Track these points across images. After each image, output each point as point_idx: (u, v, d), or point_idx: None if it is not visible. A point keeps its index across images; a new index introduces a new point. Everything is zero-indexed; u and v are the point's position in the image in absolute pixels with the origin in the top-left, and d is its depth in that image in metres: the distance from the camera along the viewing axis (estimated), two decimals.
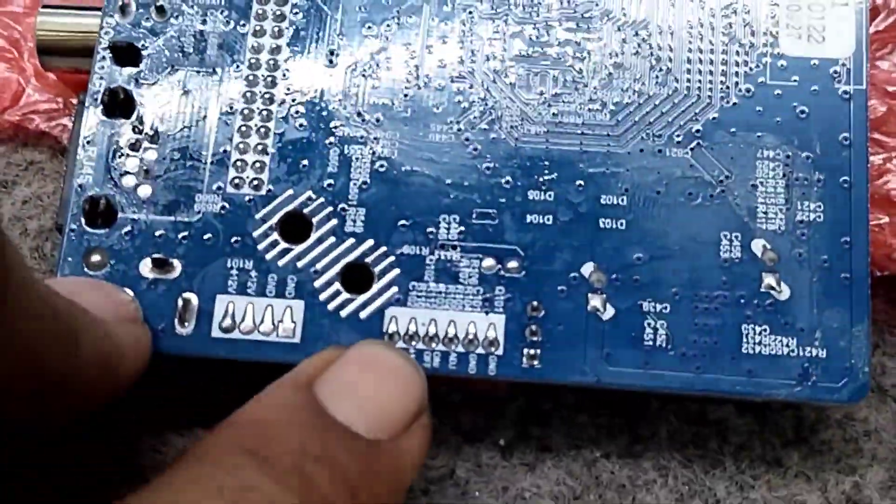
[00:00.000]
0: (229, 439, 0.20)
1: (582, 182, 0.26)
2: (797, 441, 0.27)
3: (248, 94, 0.27)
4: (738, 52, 0.27)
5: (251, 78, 0.27)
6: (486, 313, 0.26)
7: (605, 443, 0.27)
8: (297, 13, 0.28)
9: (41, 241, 0.29)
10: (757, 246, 0.26)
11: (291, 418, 0.21)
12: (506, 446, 0.27)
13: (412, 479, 0.22)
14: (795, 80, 0.27)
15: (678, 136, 0.27)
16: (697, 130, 0.27)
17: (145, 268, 0.26)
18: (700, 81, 0.27)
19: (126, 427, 0.27)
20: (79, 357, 0.22)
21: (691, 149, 0.27)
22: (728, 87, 0.27)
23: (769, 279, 0.26)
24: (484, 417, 0.27)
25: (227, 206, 0.26)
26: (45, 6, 0.29)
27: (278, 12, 0.28)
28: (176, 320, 0.26)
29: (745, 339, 0.25)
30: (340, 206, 0.26)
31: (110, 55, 0.27)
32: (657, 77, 0.27)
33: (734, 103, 0.27)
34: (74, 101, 0.30)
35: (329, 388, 0.21)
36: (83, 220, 0.26)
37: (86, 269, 0.26)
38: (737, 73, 0.27)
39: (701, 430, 0.27)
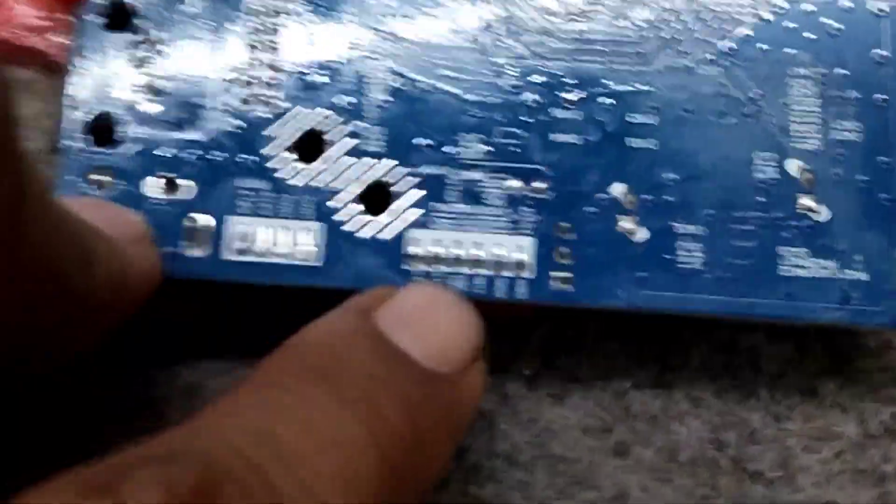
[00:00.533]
0: (297, 363, 0.19)
1: (609, 100, 0.25)
2: (832, 370, 0.27)
3: (257, 5, 0.26)
4: None
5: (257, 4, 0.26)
6: (514, 235, 0.24)
7: (635, 373, 0.26)
8: None
9: (37, 162, 0.27)
10: (792, 166, 0.25)
11: (356, 344, 0.20)
12: (532, 377, 0.26)
13: (469, 421, 0.21)
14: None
15: (708, 53, 0.25)
16: (729, 48, 0.25)
17: (152, 187, 0.25)
18: None
19: (133, 358, 0.25)
20: (93, 276, 0.20)
21: (722, 67, 0.25)
22: (759, 4, 0.26)
23: (806, 200, 0.25)
24: (508, 348, 0.26)
25: (239, 123, 0.25)
26: None
27: None
28: (186, 242, 0.24)
29: (782, 262, 0.24)
30: (358, 124, 0.25)
31: None
32: None
33: (766, 20, 0.26)
34: (66, 16, 0.28)
35: (390, 317, 0.20)
36: (85, 139, 0.25)
37: (90, 189, 0.24)
38: None
39: (733, 359, 0.26)
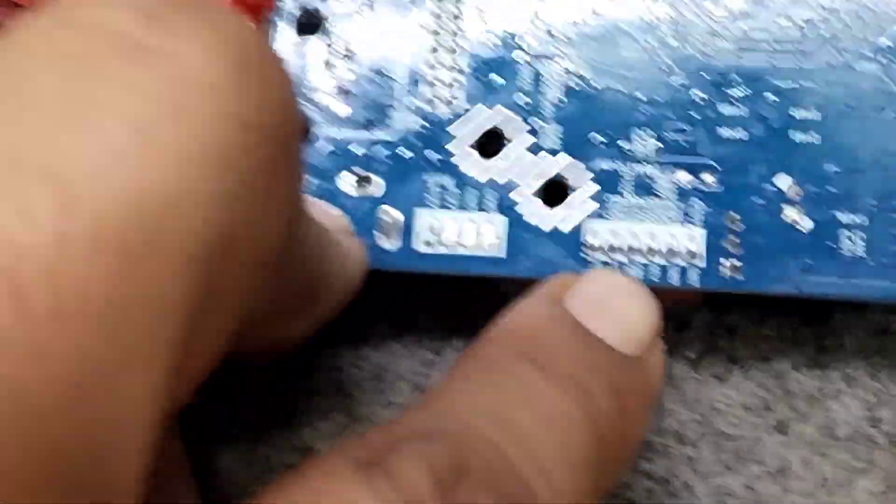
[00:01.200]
0: (508, 348, 0.21)
1: (773, 97, 0.27)
2: None
3: (439, 13, 0.27)
4: None
5: (439, 12, 0.27)
6: (686, 225, 0.26)
7: (792, 354, 0.28)
8: None
9: None
10: None
11: (556, 329, 0.21)
12: (695, 359, 0.28)
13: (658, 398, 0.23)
14: None
15: (867, 50, 0.27)
16: (886, 45, 0.27)
17: (346, 183, 0.26)
18: None
19: (322, 342, 0.27)
20: (330, 270, 0.22)
21: (880, 63, 0.27)
22: None
23: None
24: (671, 332, 0.28)
25: (424, 123, 0.27)
26: None
27: None
28: (380, 236, 0.26)
29: None
30: (536, 122, 0.26)
31: None
32: None
33: None
34: (256, 24, 0.30)
35: (580, 304, 0.22)
36: None
37: None
38: None
39: (885, 341, 0.28)
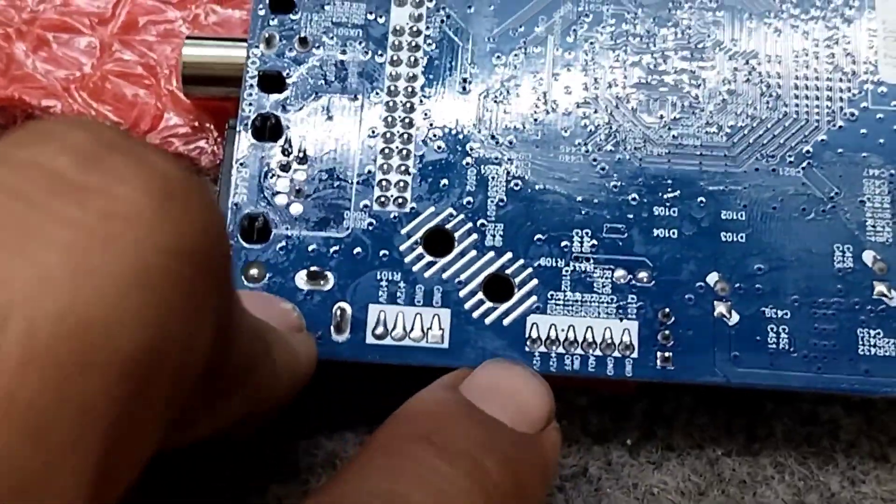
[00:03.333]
0: (405, 429, 0.22)
1: (703, 199, 0.28)
2: None
3: (389, 119, 0.29)
4: (841, 80, 0.29)
5: (390, 104, 0.29)
6: (621, 319, 0.28)
7: (724, 442, 0.29)
8: (430, 44, 0.30)
9: None
10: (868, 257, 0.28)
11: (452, 410, 0.23)
12: (633, 445, 0.29)
13: (554, 474, 0.24)
14: (895, 105, 0.29)
15: (790, 156, 0.29)
16: (807, 151, 0.29)
17: (301, 280, 0.28)
18: (808, 106, 0.29)
19: (279, 431, 0.29)
20: (274, 368, 0.24)
21: (802, 168, 0.29)
22: (834, 112, 0.29)
23: (880, 287, 0.28)
24: (611, 419, 0.29)
25: (374, 222, 0.28)
26: (189, 38, 0.31)
27: (413, 43, 0.30)
28: (332, 328, 0.27)
29: (861, 342, 0.27)
30: (480, 221, 0.28)
31: (258, 83, 0.29)
32: (768, 102, 0.29)
33: (840, 126, 0.29)
34: (210, 125, 0.32)
35: (474, 389, 0.24)
36: (240, 237, 0.28)
37: (245, 282, 0.28)
38: (841, 99, 0.29)
39: (813, 430, 0.29)
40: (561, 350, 0.27)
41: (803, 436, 0.29)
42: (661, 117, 0.29)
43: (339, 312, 0.28)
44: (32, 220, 0.15)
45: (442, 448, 0.22)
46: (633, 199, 0.28)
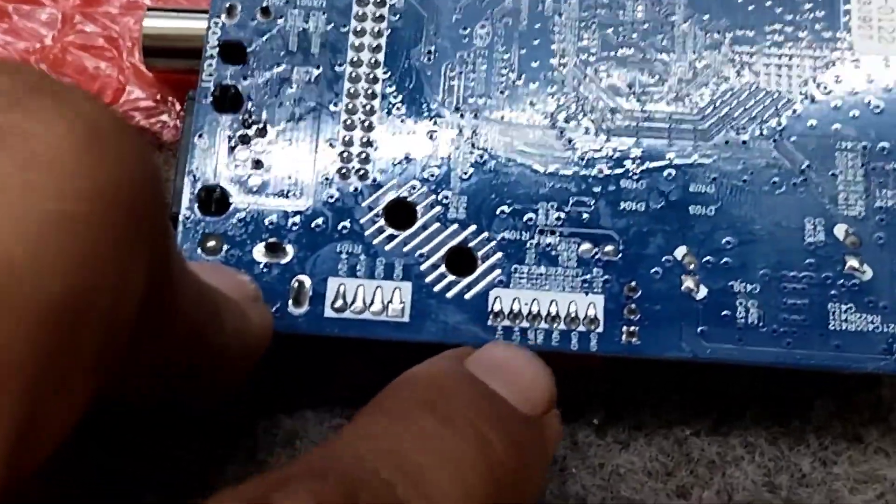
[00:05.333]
0: (410, 395, 0.22)
1: (671, 171, 0.28)
2: (875, 419, 0.29)
3: (351, 90, 0.28)
4: (814, 50, 0.29)
5: (353, 75, 0.29)
6: (586, 294, 0.27)
7: (693, 422, 0.29)
8: (395, 15, 0.29)
9: None
10: (839, 231, 0.27)
11: (457, 382, 0.22)
12: (599, 425, 0.29)
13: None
14: (869, 78, 0.28)
15: (761, 129, 0.28)
16: (779, 123, 0.28)
17: (259, 252, 0.27)
18: (779, 78, 0.28)
19: (239, 409, 0.28)
20: (224, 335, 0.23)
21: (774, 141, 0.28)
22: (806, 84, 0.28)
23: (852, 261, 0.27)
24: (577, 398, 0.29)
25: (334, 194, 0.28)
26: (150, 9, 0.30)
27: (377, 14, 0.29)
28: (290, 301, 0.27)
29: (832, 317, 0.27)
30: (443, 194, 0.28)
31: (218, 53, 0.29)
32: (738, 73, 0.29)
33: (813, 98, 0.28)
34: (172, 99, 0.31)
35: (481, 365, 0.23)
36: (198, 208, 0.27)
37: (202, 254, 0.27)
38: (814, 70, 0.29)
39: (784, 410, 0.29)
40: (524, 324, 0.27)
41: (774, 415, 0.29)
42: (630, 88, 0.28)
43: (297, 285, 0.27)
44: None
45: (446, 416, 0.21)
46: (600, 171, 0.28)
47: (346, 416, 0.28)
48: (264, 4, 0.29)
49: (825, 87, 0.28)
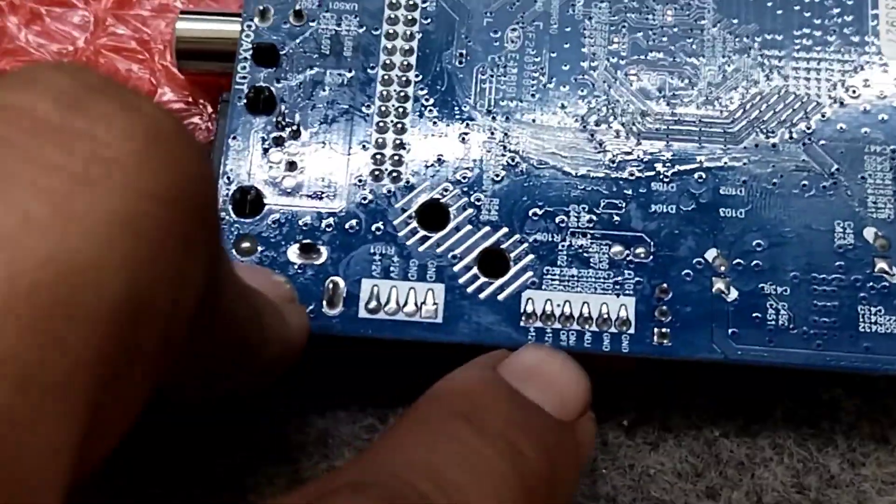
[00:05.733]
0: (444, 407, 0.22)
1: (702, 174, 0.28)
2: None
3: (384, 92, 0.29)
4: (843, 55, 0.29)
5: (386, 78, 0.29)
6: (618, 296, 0.27)
7: (722, 423, 0.29)
8: (427, 19, 0.29)
9: None
10: (869, 233, 0.28)
11: (492, 393, 0.22)
12: (629, 426, 0.29)
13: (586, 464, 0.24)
14: None
15: (791, 132, 0.28)
16: (808, 127, 0.28)
17: (293, 253, 0.28)
18: (808, 82, 0.29)
19: (271, 409, 0.28)
20: (264, 334, 0.23)
21: (803, 144, 0.28)
22: (835, 88, 0.29)
23: (881, 264, 0.27)
24: (607, 400, 0.29)
25: (368, 195, 0.28)
26: (182, 12, 0.31)
27: (409, 17, 0.29)
28: (324, 302, 0.27)
29: (861, 319, 0.27)
30: (475, 196, 0.28)
31: (251, 56, 0.29)
32: (768, 77, 0.29)
33: (842, 102, 0.28)
34: (204, 101, 0.31)
35: (514, 372, 0.23)
36: (232, 210, 0.28)
37: (237, 256, 0.27)
38: (843, 74, 0.29)
39: (813, 411, 0.29)
40: (557, 326, 0.27)
41: (803, 417, 0.29)
42: (660, 91, 0.29)
43: (331, 286, 0.27)
44: (13, 165, 0.14)
45: (480, 428, 0.21)
46: (631, 174, 0.28)
47: (378, 416, 0.29)
48: (297, 7, 0.30)
49: (854, 91, 0.29)
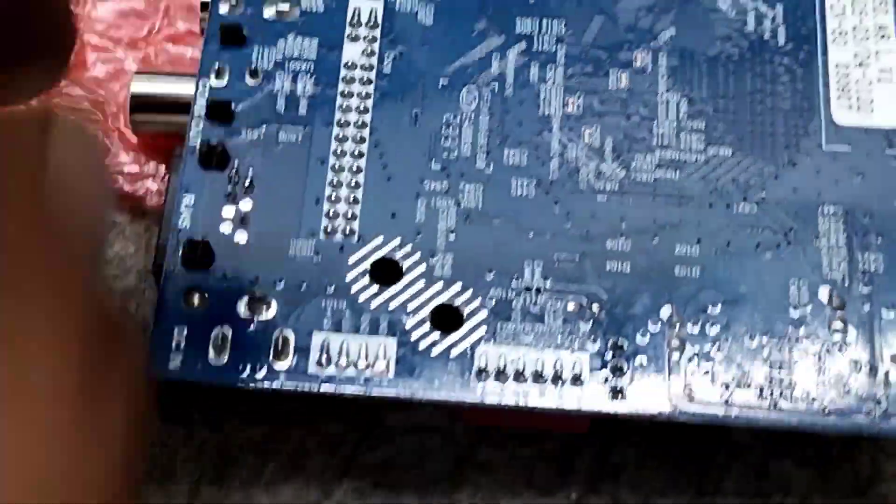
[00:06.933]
0: None
1: (656, 233, 0.28)
2: (855, 494, 0.29)
3: (338, 150, 0.29)
4: (794, 118, 0.29)
5: (340, 136, 0.29)
6: (572, 351, 0.27)
7: (672, 494, 0.28)
8: (382, 79, 0.29)
9: (125, 301, 0.30)
10: (823, 293, 0.27)
11: None
12: (577, 500, 0.28)
13: None
14: (848, 146, 0.29)
15: (744, 193, 0.28)
16: (762, 188, 0.28)
17: (243, 307, 0.27)
18: (762, 145, 0.29)
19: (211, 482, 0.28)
20: None
21: (756, 203, 0.28)
22: (788, 150, 0.29)
23: (836, 323, 0.27)
24: (555, 472, 0.28)
25: (320, 250, 0.28)
26: (138, 72, 0.31)
27: (365, 78, 0.29)
28: (273, 356, 0.27)
29: (819, 374, 0.27)
30: (429, 251, 0.28)
31: (205, 113, 0.29)
32: (720, 139, 0.29)
33: (794, 164, 0.29)
34: (159, 164, 0.31)
35: None
36: (182, 263, 0.27)
37: (185, 307, 0.27)
38: (795, 136, 0.29)
39: (763, 483, 0.28)
40: (511, 382, 0.26)
41: (754, 490, 0.28)
42: (615, 151, 0.29)
43: (281, 340, 0.27)
44: None
45: None
46: (586, 231, 0.28)
47: (323, 493, 0.28)
48: (253, 67, 0.29)
49: (806, 154, 0.29)
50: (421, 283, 0.27)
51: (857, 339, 0.27)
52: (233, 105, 0.29)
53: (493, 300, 0.27)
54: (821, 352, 0.27)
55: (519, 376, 0.27)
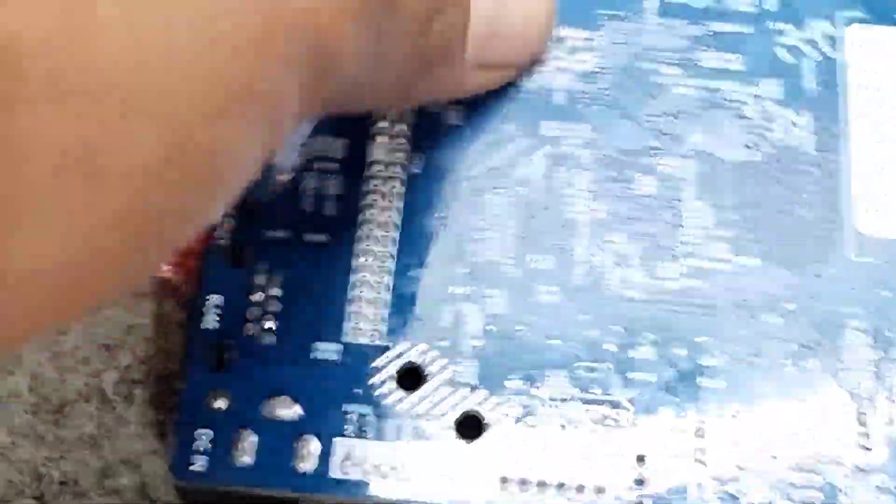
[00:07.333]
0: None
1: (681, 344, 0.28)
2: None
3: (364, 260, 0.29)
4: (819, 226, 0.29)
5: (366, 247, 0.29)
6: (595, 460, 0.27)
7: None
8: (410, 180, 0.30)
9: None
10: (850, 408, 0.27)
11: None
12: None
13: None
14: (873, 258, 0.29)
15: (770, 303, 0.28)
16: (787, 299, 0.28)
17: (266, 409, 0.27)
18: (788, 255, 0.29)
19: None
20: None
21: (782, 316, 0.28)
22: (816, 263, 0.29)
23: (862, 439, 0.27)
24: None
25: (345, 354, 0.28)
26: None
27: (391, 178, 0.30)
28: (296, 460, 0.26)
29: (840, 496, 0.26)
30: (455, 358, 0.27)
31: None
32: (746, 251, 0.29)
33: (819, 276, 0.29)
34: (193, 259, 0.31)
35: None
36: (206, 364, 0.27)
37: (209, 410, 0.27)
38: (822, 247, 0.29)
39: None
40: (533, 490, 0.26)
41: None
42: (641, 260, 0.29)
43: (303, 444, 0.27)
44: None
45: None
46: (611, 340, 0.28)
47: None
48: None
49: (833, 266, 0.29)
50: (445, 390, 0.27)
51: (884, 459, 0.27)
52: (260, 203, 0.29)
53: (517, 407, 0.27)
54: (849, 471, 0.27)
55: (542, 486, 0.26)
